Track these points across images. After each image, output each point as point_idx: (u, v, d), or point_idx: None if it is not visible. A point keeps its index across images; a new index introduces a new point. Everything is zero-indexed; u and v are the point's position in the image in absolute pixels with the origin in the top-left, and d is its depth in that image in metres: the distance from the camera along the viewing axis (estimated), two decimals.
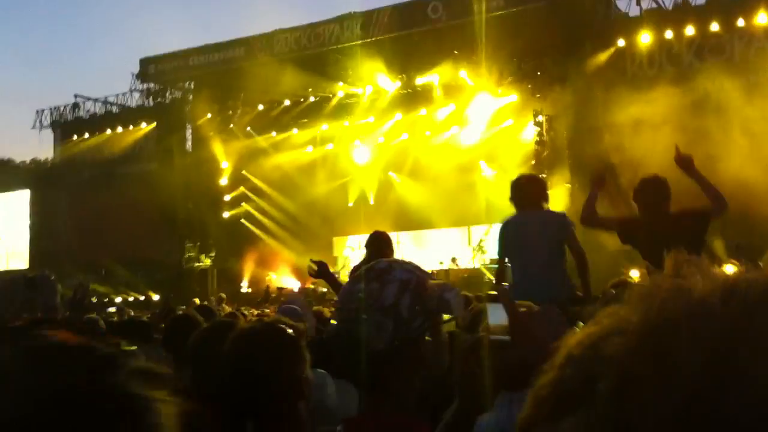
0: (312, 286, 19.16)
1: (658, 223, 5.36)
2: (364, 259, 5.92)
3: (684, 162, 5.45)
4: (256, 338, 2.64)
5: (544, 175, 15.15)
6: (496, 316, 1.75)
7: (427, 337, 1.78)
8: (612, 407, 0.50)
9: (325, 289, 20.87)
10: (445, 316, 1.84)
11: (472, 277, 17.76)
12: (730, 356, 0.48)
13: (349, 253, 22.34)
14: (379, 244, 5.78)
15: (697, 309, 0.51)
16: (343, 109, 22.46)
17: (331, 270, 5.50)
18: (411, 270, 1.83)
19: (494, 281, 6.44)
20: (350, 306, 1.76)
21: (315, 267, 5.28)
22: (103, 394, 0.71)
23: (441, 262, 20.74)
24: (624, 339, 0.51)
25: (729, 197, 5.40)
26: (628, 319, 0.53)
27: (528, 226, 5.79)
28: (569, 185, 17.62)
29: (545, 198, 6.00)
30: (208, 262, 23.96)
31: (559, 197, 17.34)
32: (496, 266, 6.41)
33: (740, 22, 17.13)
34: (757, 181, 13.20)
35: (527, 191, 5.91)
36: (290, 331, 2.71)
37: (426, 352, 1.79)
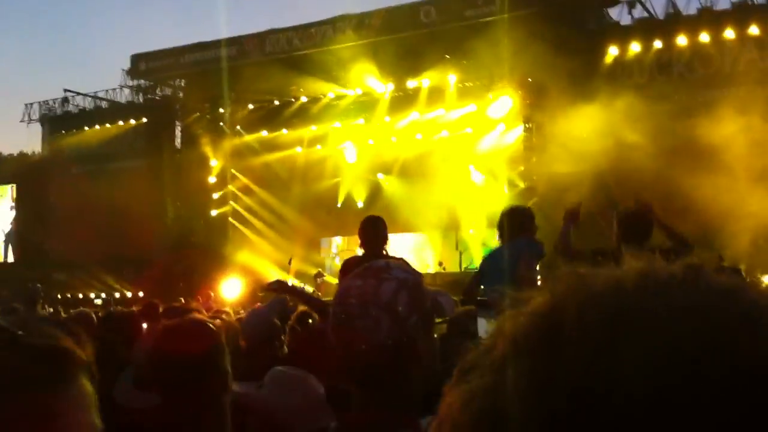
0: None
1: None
2: (362, 246, 5.90)
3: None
4: (183, 331, 2.72)
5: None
6: (486, 320, 1.79)
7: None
8: (497, 375, 0.55)
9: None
10: (437, 319, 1.89)
11: (459, 282, 17.73)
12: (603, 343, 0.52)
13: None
14: (376, 228, 5.83)
15: (589, 298, 0.55)
16: (334, 110, 22.48)
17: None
18: (408, 270, 1.88)
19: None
20: (347, 301, 1.79)
21: (273, 286, 5.08)
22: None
23: (428, 265, 20.73)
24: (524, 318, 0.57)
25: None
26: (535, 302, 0.58)
27: (501, 257, 5.65)
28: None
29: (527, 228, 5.79)
30: (193, 259, 23.85)
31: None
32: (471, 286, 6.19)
33: (730, 34, 17.25)
34: (743, 191, 13.29)
35: (507, 223, 5.78)
36: (213, 326, 2.81)
37: (421, 352, 1.81)
